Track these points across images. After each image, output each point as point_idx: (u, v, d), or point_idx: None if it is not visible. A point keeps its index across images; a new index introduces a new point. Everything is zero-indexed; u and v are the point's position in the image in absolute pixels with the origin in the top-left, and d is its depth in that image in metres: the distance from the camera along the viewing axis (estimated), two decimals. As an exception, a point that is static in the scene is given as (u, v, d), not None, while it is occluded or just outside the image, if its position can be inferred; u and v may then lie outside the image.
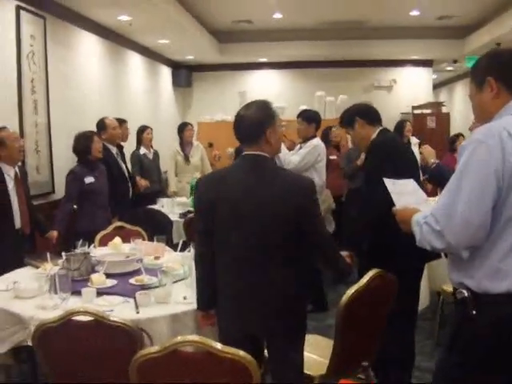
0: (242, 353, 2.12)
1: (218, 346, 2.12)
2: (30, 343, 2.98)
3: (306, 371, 2.97)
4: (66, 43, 7.12)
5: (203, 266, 2.96)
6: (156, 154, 7.87)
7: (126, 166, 6.79)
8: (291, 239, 2.79)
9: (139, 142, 7.71)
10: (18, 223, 4.69)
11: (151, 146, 7.83)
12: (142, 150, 7.64)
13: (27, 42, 6.06)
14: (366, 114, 3.87)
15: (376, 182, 3.06)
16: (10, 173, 4.67)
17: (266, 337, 2.91)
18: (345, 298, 2.92)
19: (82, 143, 5.55)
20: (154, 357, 2.14)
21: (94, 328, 2.58)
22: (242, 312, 2.83)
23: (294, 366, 2.87)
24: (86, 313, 2.58)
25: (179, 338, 2.18)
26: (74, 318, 2.58)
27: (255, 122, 2.84)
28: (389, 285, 3.12)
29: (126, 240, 4.45)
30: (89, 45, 7.87)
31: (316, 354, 3.32)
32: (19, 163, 4.93)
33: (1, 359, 3.33)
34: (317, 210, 2.86)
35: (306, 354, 2.93)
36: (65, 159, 6.09)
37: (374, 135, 3.79)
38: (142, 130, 7.72)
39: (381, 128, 3.85)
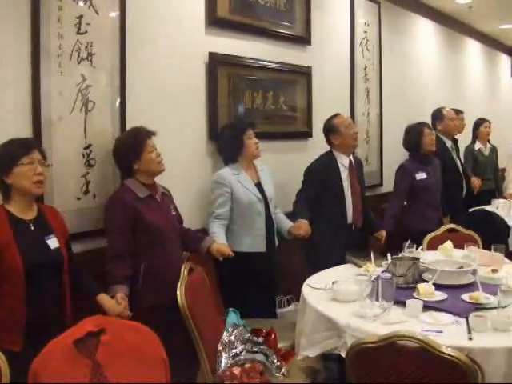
0: None
1: None
2: (342, 353, 2.70)
3: None
4: (400, 29, 6.87)
5: None
6: (493, 150, 7.18)
7: (461, 161, 6.20)
8: None
9: (475, 136, 7.12)
10: (349, 215, 4.44)
11: (488, 141, 7.15)
12: (477, 145, 7.04)
13: (361, 28, 5.93)
14: None
15: None
16: (344, 162, 4.46)
17: None
18: None
19: (411, 136, 5.18)
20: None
21: (419, 356, 2.13)
22: None
23: None
24: (412, 339, 2.13)
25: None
26: (398, 342, 2.15)
27: None
28: None
29: (457, 245, 3.92)
30: (424, 31, 7.54)
31: None
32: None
33: (309, 362, 3.11)
34: None
35: None
36: (394, 152, 5.79)
37: None
38: (479, 123, 7.12)
39: None
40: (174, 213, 3.50)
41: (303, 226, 4.11)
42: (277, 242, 4.13)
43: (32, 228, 2.72)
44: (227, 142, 4.01)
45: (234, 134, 3.98)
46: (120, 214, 3.21)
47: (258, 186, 4.02)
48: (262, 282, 3.92)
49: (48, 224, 2.80)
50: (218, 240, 3.72)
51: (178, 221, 3.59)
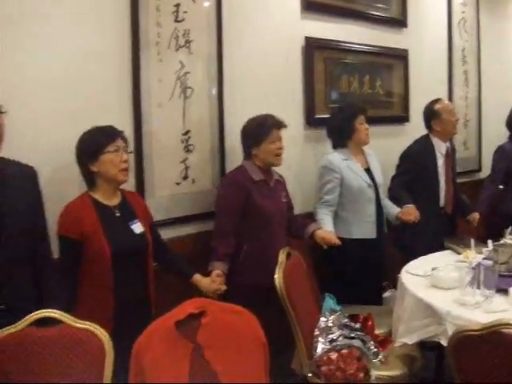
0: None
1: None
2: (442, 342, 2.64)
3: None
4: (499, 8, 6.55)
5: None
6: None
7: None
8: None
9: None
10: (442, 201, 4.35)
11: None
12: None
13: (458, 8, 5.74)
14: None
15: None
16: (441, 149, 4.36)
17: None
18: None
19: None
20: None
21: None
22: None
23: None
24: (516, 326, 2.06)
25: None
26: (503, 331, 2.07)
27: None
28: None
29: None
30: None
31: None
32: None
33: (407, 349, 3.06)
34: None
35: None
36: (494, 136, 5.56)
37: None
38: None
39: None
40: (284, 200, 3.52)
41: (412, 212, 3.98)
42: (385, 229, 4.05)
43: (117, 214, 2.74)
44: (338, 125, 3.93)
45: (345, 117, 3.90)
46: (232, 195, 3.28)
47: (368, 171, 3.94)
48: (370, 269, 3.84)
49: (132, 209, 2.81)
50: (325, 227, 3.65)
51: (288, 207, 3.59)
